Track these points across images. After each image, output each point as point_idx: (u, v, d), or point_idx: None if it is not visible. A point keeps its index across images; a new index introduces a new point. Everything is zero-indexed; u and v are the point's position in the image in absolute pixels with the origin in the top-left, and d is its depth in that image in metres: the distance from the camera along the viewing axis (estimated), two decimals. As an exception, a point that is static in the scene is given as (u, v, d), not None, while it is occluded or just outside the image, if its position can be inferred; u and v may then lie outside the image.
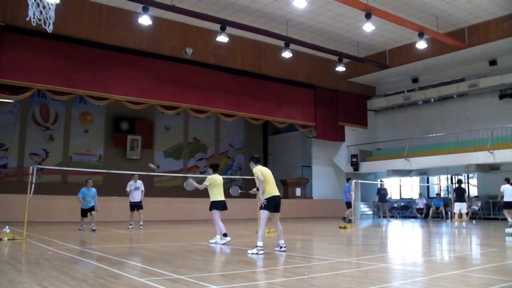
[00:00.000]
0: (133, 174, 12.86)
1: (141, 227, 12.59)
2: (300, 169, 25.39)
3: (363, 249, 9.03)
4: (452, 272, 5.56)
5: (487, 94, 20.48)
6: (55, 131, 20.68)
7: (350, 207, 17.00)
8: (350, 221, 16.51)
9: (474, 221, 17.64)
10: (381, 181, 20.50)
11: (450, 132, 20.57)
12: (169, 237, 10.66)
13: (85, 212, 11.95)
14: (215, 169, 9.06)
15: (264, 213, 7.37)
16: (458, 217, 14.70)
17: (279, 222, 7.60)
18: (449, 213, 19.33)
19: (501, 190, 13.83)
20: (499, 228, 13.84)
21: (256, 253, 7.03)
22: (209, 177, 8.89)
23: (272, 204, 7.38)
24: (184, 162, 24.28)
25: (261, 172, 7.44)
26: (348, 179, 17.56)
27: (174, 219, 17.76)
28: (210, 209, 8.89)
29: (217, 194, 8.85)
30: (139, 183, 12.90)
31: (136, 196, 12.66)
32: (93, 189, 12.05)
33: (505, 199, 13.73)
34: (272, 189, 7.44)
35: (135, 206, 12.71)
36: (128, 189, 12.71)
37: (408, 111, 23.95)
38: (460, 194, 14.73)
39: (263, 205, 7.36)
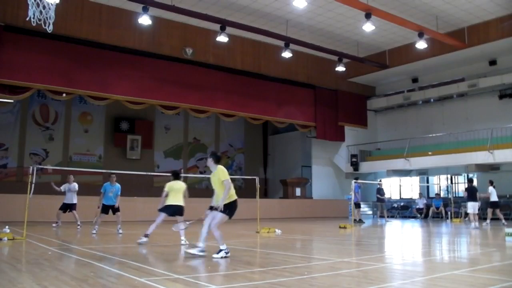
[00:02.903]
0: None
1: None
2: (300, 169, 25.39)
3: (363, 249, 9.03)
4: (452, 272, 5.56)
5: (487, 94, 20.48)
6: (55, 131, 20.68)
7: (359, 207, 17.10)
8: (360, 221, 16.54)
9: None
10: (380, 180, 20.53)
11: (450, 132, 20.57)
12: (169, 237, 10.66)
13: (105, 209, 11.32)
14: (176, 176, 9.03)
15: (224, 218, 6.61)
16: (473, 217, 14.43)
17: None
18: (449, 213, 19.35)
19: (489, 191, 15.07)
20: (499, 228, 13.84)
21: (225, 256, 6.48)
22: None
23: (234, 210, 6.69)
24: (184, 162, 24.29)
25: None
26: (356, 179, 17.61)
27: (174, 219, 17.74)
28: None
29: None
30: (74, 185, 13.24)
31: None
32: (117, 185, 11.47)
33: (492, 199, 15.12)
34: (234, 192, 6.72)
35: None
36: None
37: (408, 111, 23.95)
38: (472, 193, 14.58)
39: (221, 209, 6.57)
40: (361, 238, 11.35)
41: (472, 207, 14.42)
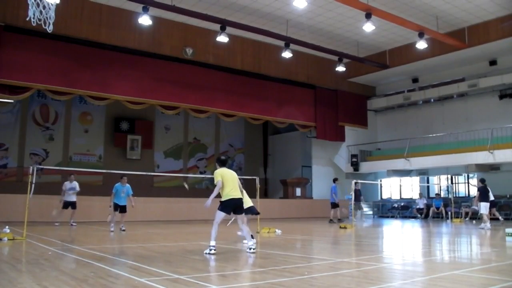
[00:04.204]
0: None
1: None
2: (300, 169, 25.39)
3: (363, 249, 9.02)
4: (452, 272, 5.56)
5: (487, 94, 20.47)
6: (55, 131, 20.67)
7: (336, 207, 17.23)
8: (340, 220, 16.59)
9: (474, 221, 17.64)
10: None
11: (450, 132, 20.57)
12: (169, 237, 10.66)
13: (117, 208, 11.78)
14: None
15: (219, 215, 7.14)
16: (486, 217, 14.34)
17: (245, 224, 7.51)
18: (449, 213, 19.34)
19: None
20: (499, 228, 13.84)
21: (208, 253, 6.87)
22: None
23: (229, 207, 7.16)
24: (184, 162, 24.28)
25: (221, 175, 7.14)
26: (335, 180, 17.82)
27: (174, 219, 17.76)
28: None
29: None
30: (75, 183, 14.16)
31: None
32: (128, 185, 11.97)
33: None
34: (232, 192, 7.14)
35: (69, 205, 13.89)
36: (63, 188, 14.00)
37: (408, 111, 23.94)
38: (485, 193, 14.47)
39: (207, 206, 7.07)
40: (361, 238, 11.35)
41: (485, 207, 14.35)
